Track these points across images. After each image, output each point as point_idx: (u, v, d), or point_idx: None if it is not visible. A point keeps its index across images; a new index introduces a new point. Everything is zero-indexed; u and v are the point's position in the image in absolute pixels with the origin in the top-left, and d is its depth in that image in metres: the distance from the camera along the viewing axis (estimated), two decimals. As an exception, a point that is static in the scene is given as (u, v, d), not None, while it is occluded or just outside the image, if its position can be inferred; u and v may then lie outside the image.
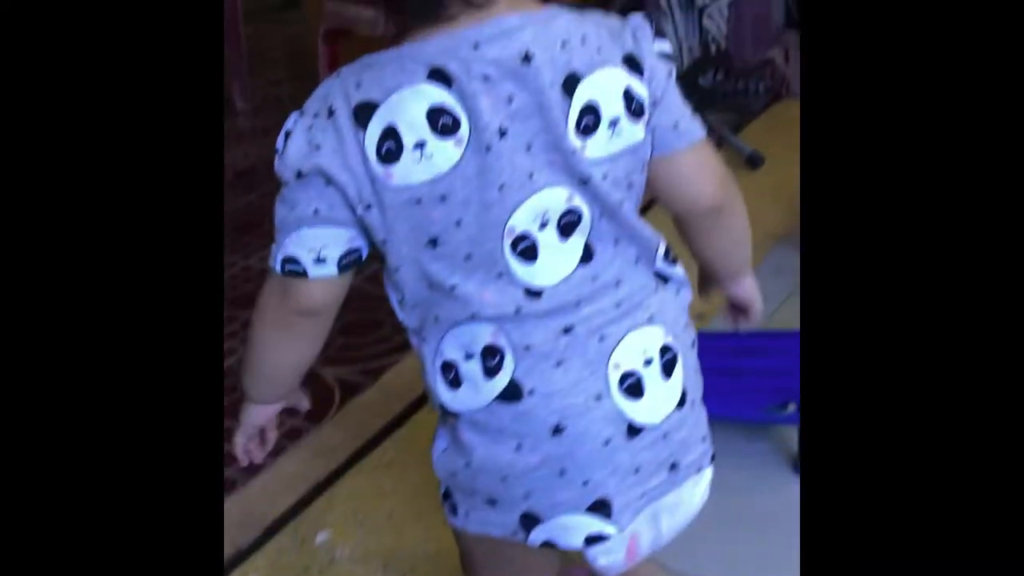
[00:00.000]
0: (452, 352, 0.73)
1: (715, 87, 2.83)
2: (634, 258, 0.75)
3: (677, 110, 0.76)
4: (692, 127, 0.77)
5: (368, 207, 0.71)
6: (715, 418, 0.86)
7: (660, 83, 0.75)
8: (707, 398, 0.85)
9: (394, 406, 1.61)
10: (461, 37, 0.68)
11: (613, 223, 0.73)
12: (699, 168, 0.79)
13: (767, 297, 1.65)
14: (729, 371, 1.41)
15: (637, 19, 0.74)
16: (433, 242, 0.71)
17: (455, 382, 0.73)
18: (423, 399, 1.56)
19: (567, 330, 0.71)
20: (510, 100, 0.69)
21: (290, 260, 0.74)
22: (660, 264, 0.77)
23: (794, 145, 2.74)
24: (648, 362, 0.73)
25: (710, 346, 1.41)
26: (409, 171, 0.69)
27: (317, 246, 0.73)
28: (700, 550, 1.03)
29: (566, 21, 0.71)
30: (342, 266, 0.75)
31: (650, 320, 0.74)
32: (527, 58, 0.68)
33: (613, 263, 0.74)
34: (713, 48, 2.75)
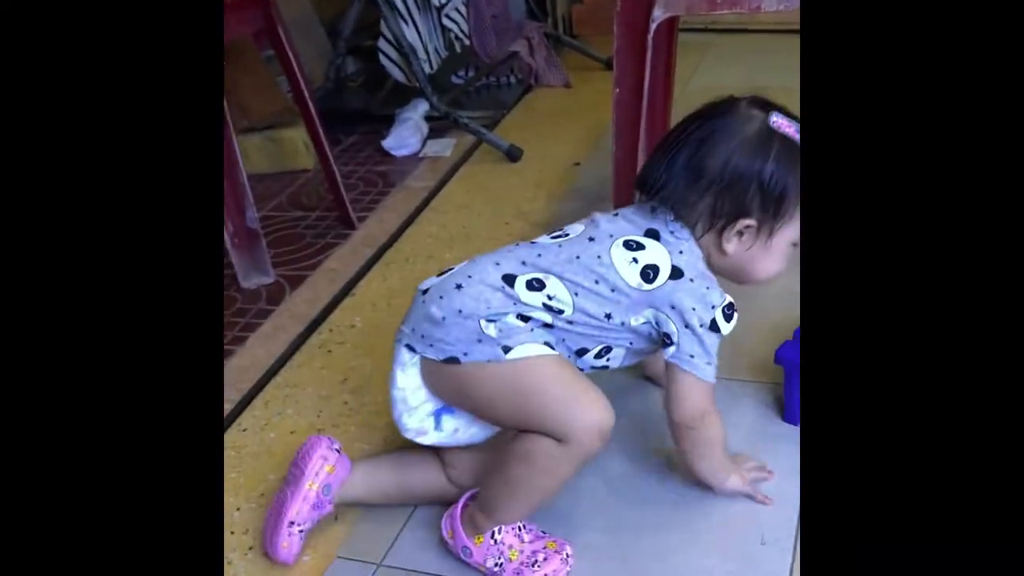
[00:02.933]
0: None
1: (467, 84, 2.85)
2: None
3: (699, 349, 0.96)
4: (700, 366, 0.96)
5: None
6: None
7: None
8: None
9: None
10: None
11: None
12: (687, 391, 0.99)
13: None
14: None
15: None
16: None
17: None
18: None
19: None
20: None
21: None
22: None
23: (548, 135, 2.78)
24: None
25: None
26: None
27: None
28: None
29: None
30: None
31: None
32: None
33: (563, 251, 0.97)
34: (458, 46, 2.78)
